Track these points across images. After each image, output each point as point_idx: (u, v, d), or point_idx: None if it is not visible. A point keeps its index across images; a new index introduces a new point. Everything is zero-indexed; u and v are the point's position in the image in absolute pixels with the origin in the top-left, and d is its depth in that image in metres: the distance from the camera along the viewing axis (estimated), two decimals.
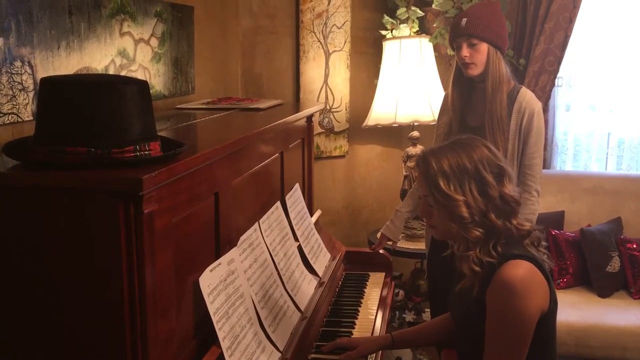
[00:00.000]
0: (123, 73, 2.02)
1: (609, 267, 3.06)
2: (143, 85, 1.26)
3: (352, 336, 1.92)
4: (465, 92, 2.39)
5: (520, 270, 1.45)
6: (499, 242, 1.50)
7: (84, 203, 1.15)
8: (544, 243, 1.58)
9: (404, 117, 3.33)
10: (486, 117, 2.28)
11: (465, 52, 2.27)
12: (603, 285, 3.06)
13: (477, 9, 2.37)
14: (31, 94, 1.59)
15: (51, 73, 1.63)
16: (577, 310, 2.88)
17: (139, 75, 2.13)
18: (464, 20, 2.28)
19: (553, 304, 1.52)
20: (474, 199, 1.48)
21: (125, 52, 2.04)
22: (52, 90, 1.21)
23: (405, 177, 3.32)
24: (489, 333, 1.48)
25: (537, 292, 1.47)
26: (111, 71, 1.95)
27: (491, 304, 1.47)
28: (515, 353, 1.46)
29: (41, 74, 1.59)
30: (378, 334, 1.98)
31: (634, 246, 3.08)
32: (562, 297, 3.00)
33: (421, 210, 1.62)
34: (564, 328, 2.72)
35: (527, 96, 2.33)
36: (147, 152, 1.22)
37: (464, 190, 1.49)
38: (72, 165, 1.16)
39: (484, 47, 2.26)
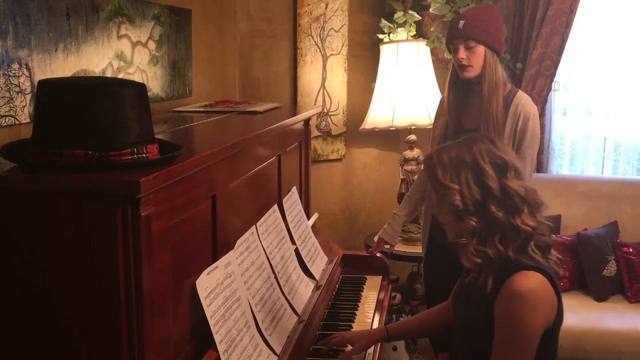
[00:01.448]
0: (120, 76, 2.02)
1: (605, 271, 3.06)
2: (140, 87, 1.26)
3: None
4: (461, 94, 2.39)
5: (531, 282, 1.44)
6: (511, 242, 1.47)
7: (81, 205, 1.14)
8: (554, 253, 1.55)
9: (401, 120, 3.34)
10: (482, 120, 2.29)
11: (462, 54, 2.28)
12: (599, 289, 3.07)
13: (475, 11, 2.39)
14: (28, 97, 1.58)
15: (48, 75, 1.63)
16: (573, 314, 2.88)
17: (137, 78, 2.13)
18: (462, 22, 2.29)
19: (559, 319, 1.51)
20: (469, 189, 1.48)
21: (122, 54, 2.04)
22: (49, 93, 1.21)
23: (403, 180, 3.32)
24: (496, 342, 1.47)
25: (545, 306, 1.46)
26: (109, 74, 1.95)
27: (499, 314, 1.46)
28: None
29: (38, 76, 1.59)
30: None
31: (630, 250, 3.08)
32: None
33: (432, 207, 1.63)
34: (560, 332, 2.72)
35: (523, 100, 2.34)
36: (144, 155, 1.22)
37: (460, 180, 1.49)
38: (69, 168, 1.16)
39: (480, 49, 2.27)
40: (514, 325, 1.44)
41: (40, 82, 1.24)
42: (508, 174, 1.49)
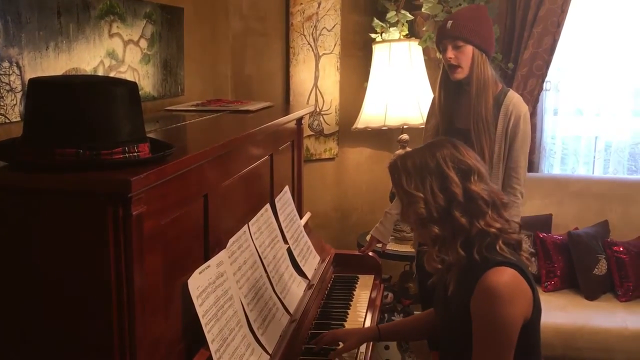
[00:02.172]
0: (112, 74, 2.01)
1: (596, 269, 3.08)
2: (132, 86, 1.25)
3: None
4: (452, 94, 2.40)
5: (504, 277, 1.45)
6: (476, 244, 1.49)
7: (72, 204, 1.14)
8: (526, 247, 1.57)
9: (393, 120, 3.34)
10: (471, 120, 2.30)
11: (451, 53, 2.29)
12: (590, 288, 3.08)
13: (463, 12, 2.40)
14: (19, 95, 1.58)
15: (39, 74, 1.62)
16: (564, 313, 2.90)
17: (128, 76, 2.12)
18: (450, 22, 2.31)
19: (536, 311, 1.52)
20: (434, 196, 1.49)
21: (114, 53, 2.03)
22: (40, 91, 1.20)
23: None
24: (476, 339, 1.48)
25: (521, 299, 1.47)
26: (100, 72, 1.94)
27: (475, 311, 1.48)
28: (501, 358, 1.47)
29: (29, 74, 1.58)
30: None
31: (621, 249, 3.10)
32: (550, 299, 3.03)
33: (400, 214, 1.64)
34: (551, 330, 2.74)
35: (514, 100, 2.35)
36: (136, 154, 1.21)
37: (424, 188, 1.50)
38: (60, 167, 1.15)
39: (469, 49, 2.28)
40: (492, 321, 1.45)
41: (31, 81, 1.23)
42: (472, 178, 1.51)
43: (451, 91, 2.40)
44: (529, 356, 1.56)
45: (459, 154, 1.53)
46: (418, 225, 1.54)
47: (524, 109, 2.35)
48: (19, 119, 1.56)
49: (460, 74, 2.31)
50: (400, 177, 1.54)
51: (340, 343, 1.82)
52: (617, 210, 3.31)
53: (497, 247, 1.50)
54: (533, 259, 3.05)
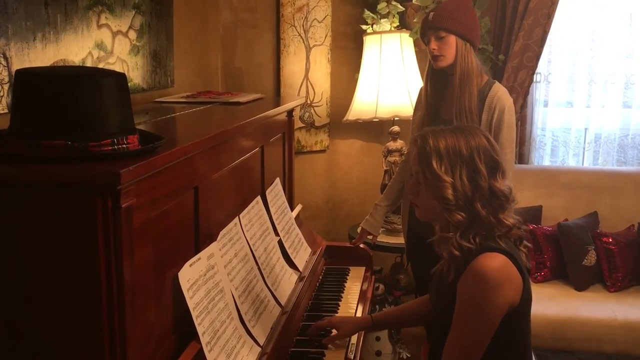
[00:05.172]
0: (101, 66, 2.00)
1: (585, 260, 3.10)
2: (121, 78, 1.24)
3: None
4: (438, 85, 2.40)
5: (494, 262, 1.47)
6: (479, 233, 1.52)
7: (60, 197, 1.13)
8: (526, 243, 1.59)
9: (384, 111, 3.34)
10: (454, 111, 2.29)
11: (434, 45, 2.29)
12: (579, 279, 3.11)
13: (445, 3, 2.41)
14: (6, 87, 1.56)
15: (27, 65, 1.60)
16: (554, 304, 2.92)
17: (117, 68, 2.10)
18: (432, 14, 2.32)
19: (525, 299, 1.53)
20: (462, 184, 1.50)
21: (102, 44, 2.01)
22: (27, 83, 1.19)
23: (386, 171, 3.33)
24: (455, 319, 1.50)
25: (508, 286, 1.48)
26: (88, 64, 1.93)
27: (461, 292, 1.49)
28: (477, 342, 1.48)
29: (16, 66, 1.56)
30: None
31: (610, 240, 3.12)
32: (540, 290, 3.05)
33: (410, 187, 1.64)
34: (541, 321, 2.76)
35: (499, 92, 2.34)
36: (125, 146, 1.20)
37: (454, 173, 1.51)
38: (48, 159, 1.14)
39: (451, 39, 2.28)
40: (475, 304, 1.47)
41: (18, 72, 1.22)
42: (497, 175, 1.53)
43: (438, 82, 2.40)
44: (516, 345, 1.57)
45: (490, 148, 1.54)
46: (439, 208, 1.53)
47: (508, 101, 2.34)
48: (6, 110, 1.55)
49: (443, 62, 2.31)
50: (429, 157, 1.53)
51: (334, 330, 1.83)
52: (607, 202, 3.33)
53: (495, 237, 1.52)
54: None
